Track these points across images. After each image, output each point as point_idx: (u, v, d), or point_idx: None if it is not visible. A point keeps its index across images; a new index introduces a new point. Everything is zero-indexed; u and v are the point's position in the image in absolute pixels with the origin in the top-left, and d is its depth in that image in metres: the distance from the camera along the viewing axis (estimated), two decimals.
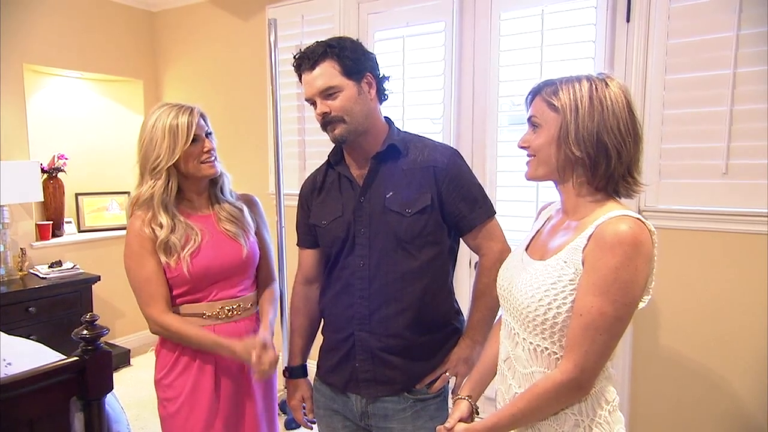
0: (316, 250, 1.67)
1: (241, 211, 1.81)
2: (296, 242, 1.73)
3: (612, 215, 1.10)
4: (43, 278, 3.46)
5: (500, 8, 2.70)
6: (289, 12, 3.37)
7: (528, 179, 1.25)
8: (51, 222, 3.81)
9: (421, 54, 2.95)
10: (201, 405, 1.67)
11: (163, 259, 1.64)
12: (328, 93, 1.47)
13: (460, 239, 1.60)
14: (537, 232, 1.33)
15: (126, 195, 4.25)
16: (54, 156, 3.87)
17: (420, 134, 1.63)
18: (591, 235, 1.10)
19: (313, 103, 1.50)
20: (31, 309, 3.28)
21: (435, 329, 1.53)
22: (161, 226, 1.65)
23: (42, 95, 3.93)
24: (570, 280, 1.11)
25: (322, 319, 1.68)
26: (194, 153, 1.66)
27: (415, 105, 2.98)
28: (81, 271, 3.62)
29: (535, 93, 1.21)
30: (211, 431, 1.68)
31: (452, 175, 1.51)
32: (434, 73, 2.90)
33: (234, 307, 1.74)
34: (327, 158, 1.64)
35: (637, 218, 1.08)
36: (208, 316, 1.71)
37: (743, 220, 2.23)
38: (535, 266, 1.19)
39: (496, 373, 1.38)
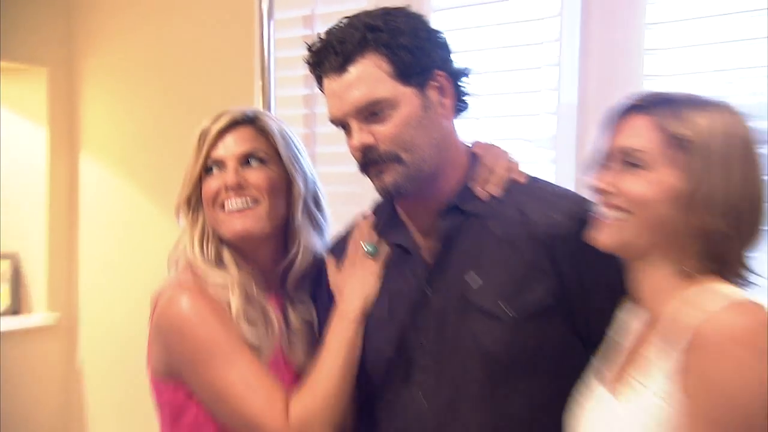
0: None
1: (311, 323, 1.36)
2: None
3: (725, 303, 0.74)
4: None
5: None
6: None
7: (603, 247, 0.92)
8: None
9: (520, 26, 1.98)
10: None
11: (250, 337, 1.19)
12: (373, 111, 1.04)
13: None
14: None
15: (8, 261, 2.71)
16: None
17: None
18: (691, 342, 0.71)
19: (346, 127, 1.09)
20: None
21: None
22: (223, 287, 1.21)
23: None
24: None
25: None
26: (208, 191, 1.24)
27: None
28: None
29: (631, 110, 0.90)
30: None
31: (587, 245, 1.01)
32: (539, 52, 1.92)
33: None
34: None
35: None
36: None
37: None
38: (610, 406, 0.92)
39: None
